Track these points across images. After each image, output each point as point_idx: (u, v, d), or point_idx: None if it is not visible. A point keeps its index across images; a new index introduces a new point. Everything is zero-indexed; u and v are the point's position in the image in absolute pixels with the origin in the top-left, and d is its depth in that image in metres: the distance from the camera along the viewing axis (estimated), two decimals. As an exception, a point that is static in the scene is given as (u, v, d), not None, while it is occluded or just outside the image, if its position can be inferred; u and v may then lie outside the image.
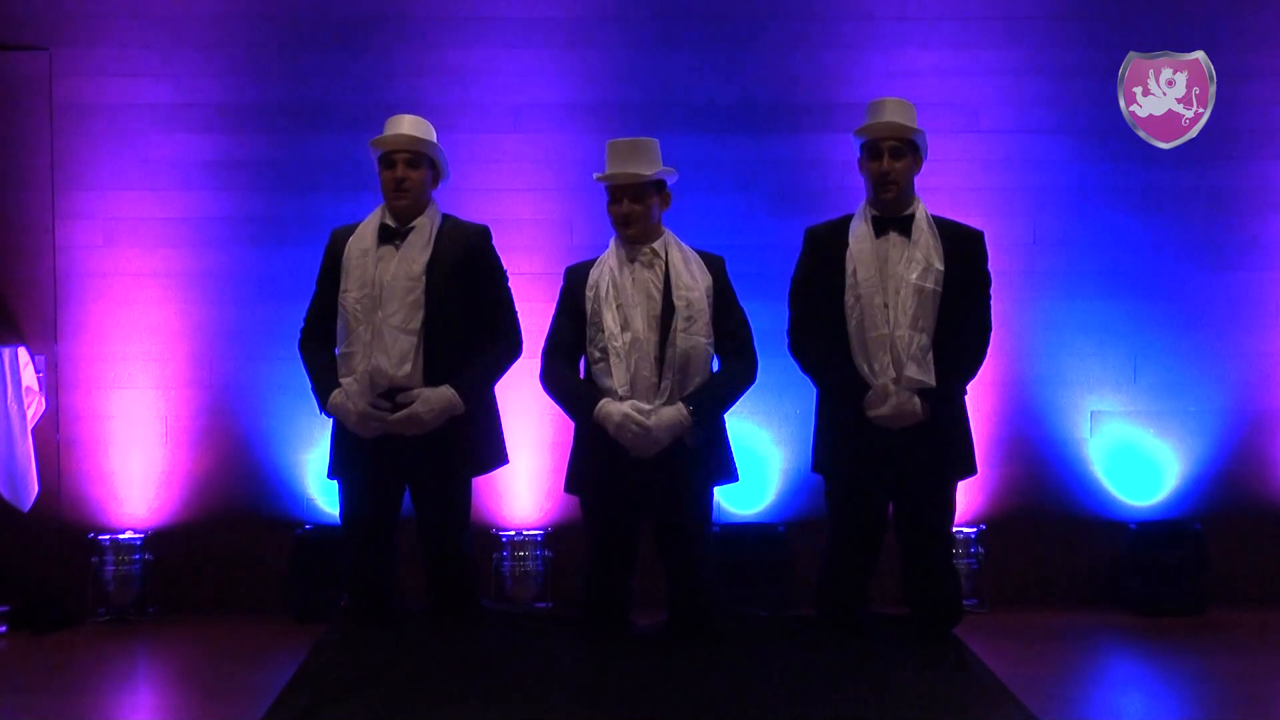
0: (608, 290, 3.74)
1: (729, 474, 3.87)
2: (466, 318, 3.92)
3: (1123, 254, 5.53)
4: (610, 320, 3.71)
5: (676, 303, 3.72)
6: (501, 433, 4.02)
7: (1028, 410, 5.51)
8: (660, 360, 3.71)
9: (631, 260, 3.78)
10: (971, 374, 3.88)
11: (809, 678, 3.62)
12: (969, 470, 3.91)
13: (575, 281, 3.87)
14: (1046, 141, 5.54)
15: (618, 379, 3.68)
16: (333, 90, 5.46)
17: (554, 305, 3.92)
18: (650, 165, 3.78)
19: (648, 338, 3.71)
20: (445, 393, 3.76)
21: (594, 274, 3.82)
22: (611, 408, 3.64)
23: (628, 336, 3.70)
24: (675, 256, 3.80)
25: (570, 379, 3.81)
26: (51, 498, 5.30)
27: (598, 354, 3.75)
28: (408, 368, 3.77)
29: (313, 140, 5.47)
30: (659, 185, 3.83)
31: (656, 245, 3.80)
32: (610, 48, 5.51)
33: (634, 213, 3.76)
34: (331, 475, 3.94)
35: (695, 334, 3.71)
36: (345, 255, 3.85)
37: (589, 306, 3.78)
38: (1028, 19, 5.54)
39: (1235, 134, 5.49)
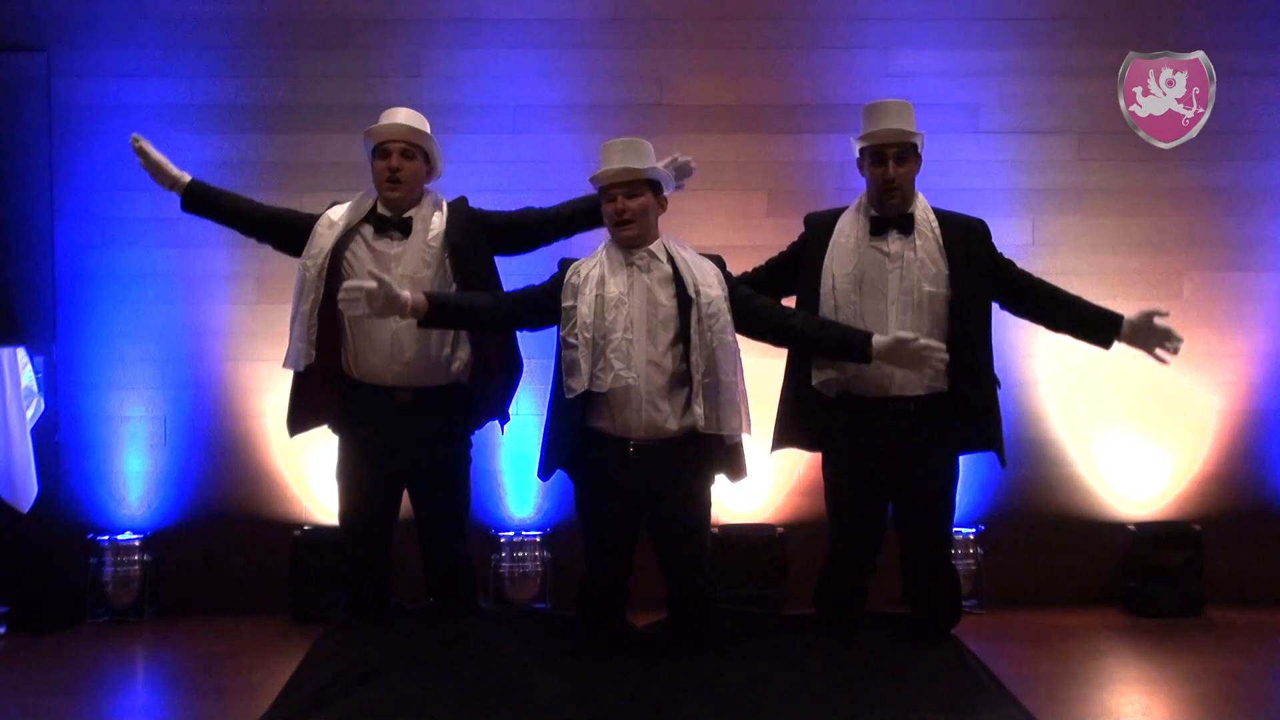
0: (587, 282, 3.64)
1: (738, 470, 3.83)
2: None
3: (1122, 254, 5.53)
4: (584, 310, 3.61)
5: (698, 299, 3.61)
6: (503, 394, 4.03)
7: (1027, 410, 5.51)
8: (687, 359, 3.60)
9: (628, 264, 3.67)
10: (1078, 300, 3.96)
11: (808, 678, 3.63)
12: (993, 446, 3.84)
13: (563, 269, 3.77)
14: (1046, 141, 5.54)
15: (585, 370, 3.58)
16: (331, 91, 5.45)
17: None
18: (643, 162, 3.70)
19: (652, 341, 3.62)
20: (413, 293, 3.57)
21: (580, 266, 3.73)
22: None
23: (616, 337, 3.60)
24: (684, 256, 3.71)
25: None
26: (51, 498, 5.29)
27: (571, 340, 3.63)
28: (457, 365, 3.80)
29: (312, 140, 5.46)
30: (655, 187, 3.74)
31: (654, 248, 3.71)
32: (608, 48, 5.50)
33: (629, 209, 3.65)
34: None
35: (720, 331, 3.62)
36: (347, 257, 3.83)
37: (566, 289, 3.68)
38: (1028, 19, 5.54)
39: (1235, 134, 5.49)
